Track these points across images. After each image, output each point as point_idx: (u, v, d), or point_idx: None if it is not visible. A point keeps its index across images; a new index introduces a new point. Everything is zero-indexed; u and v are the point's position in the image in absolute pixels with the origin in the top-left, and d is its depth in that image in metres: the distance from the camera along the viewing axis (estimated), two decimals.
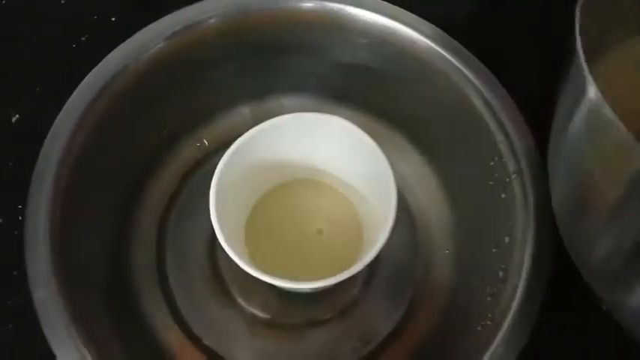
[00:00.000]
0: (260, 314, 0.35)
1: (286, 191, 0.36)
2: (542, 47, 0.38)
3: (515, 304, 0.28)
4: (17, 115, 0.39)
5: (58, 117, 0.33)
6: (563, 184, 0.26)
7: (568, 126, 0.24)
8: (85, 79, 0.33)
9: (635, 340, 0.26)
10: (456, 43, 0.34)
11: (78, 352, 0.28)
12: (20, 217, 0.36)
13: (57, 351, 0.28)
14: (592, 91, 0.21)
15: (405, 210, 0.38)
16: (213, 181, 0.31)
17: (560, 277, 0.31)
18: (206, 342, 0.35)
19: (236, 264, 0.33)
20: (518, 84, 0.33)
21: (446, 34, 0.34)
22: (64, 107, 0.33)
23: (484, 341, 0.28)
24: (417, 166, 0.39)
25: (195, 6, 0.35)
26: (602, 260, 0.24)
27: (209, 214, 0.32)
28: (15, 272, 0.35)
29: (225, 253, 0.35)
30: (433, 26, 0.34)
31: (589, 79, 0.21)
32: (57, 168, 0.31)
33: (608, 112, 0.20)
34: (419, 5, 0.36)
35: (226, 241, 0.30)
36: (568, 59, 0.23)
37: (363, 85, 0.38)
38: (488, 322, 0.29)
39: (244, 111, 0.39)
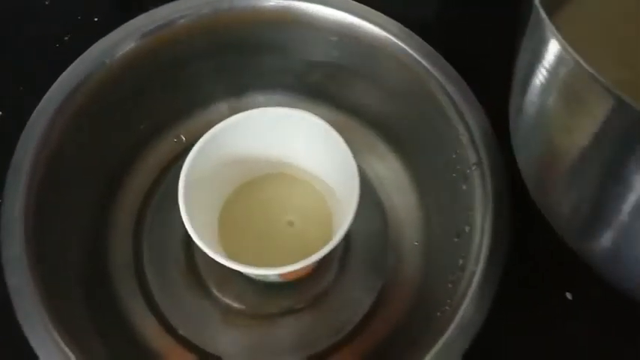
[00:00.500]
0: (235, 305, 0.36)
1: (258, 185, 0.37)
2: (506, 45, 0.39)
3: (471, 291, 0.29)
4: (0, 113, 0.40)
5: (36, 110, 0.34)
6: (526, 139, 0.27)
7: (530, 78, 0.24)
8: (62, 74, 0.34)
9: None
10: (420, 40, 0.35)
11: (54, 343, 0.28)
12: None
13: (32, 340, 0.29)
14: (552, 37, 0.22)
15: (377, 204, 0.39)
16: (180, 177, 0.32)
17: (522, 264, 0.32)
18: (182, 332, 0.36)
19: (211, 257, 0.35)
20: (480, 79, 0.34)
21: (411, 32, 0.35)
22: (41, 101, 0.34)
23: (442, 326, 0.29)
24: (389, 162, 0.40)
25: (168, 5, 0.36)
26: (568, 213, 0.25)
27: None
28: None
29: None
30: (399, 24, 0.35)
31: (548, 23, 0.21)
32: (33, 160, 0.32)
33: (571, 52, 0.21)
34: (389, 4, 0.37)
35: (196, 232, 0.31)
36: (526, 11, 0.24)
37: (336, 82, 0.39)
38: (447, 308, 0.30)
39: (222, 107, 0.40)
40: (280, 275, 0.33)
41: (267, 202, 0.37)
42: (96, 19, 0.43)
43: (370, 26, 0.35)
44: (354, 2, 0.36)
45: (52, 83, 0.35)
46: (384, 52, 0.36)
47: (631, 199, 0.22)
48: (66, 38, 0.43)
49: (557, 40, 0.22)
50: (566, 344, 0.35)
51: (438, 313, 0.30)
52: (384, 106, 0.38)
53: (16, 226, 0.30)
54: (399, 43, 0.35)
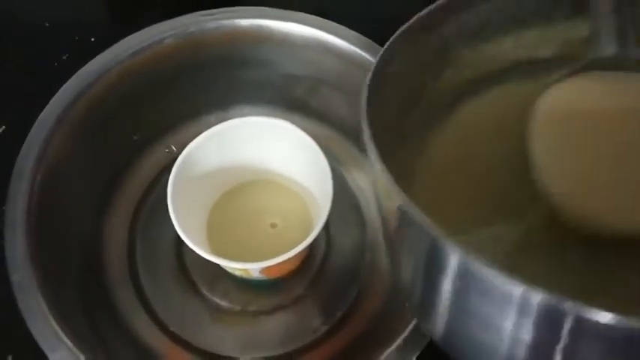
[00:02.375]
0: (223, 303, 0.39)
1: (242, 191, 0.40)
2: None
3: None
4: (3, 127, 0.43)
5: (36, 121, 0.36)
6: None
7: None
8: (61, 88, 0.37)
9: None
10: None
11: (55, 335, 0.31)
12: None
13: (33, 329, 0.31)
14: (371, 152, 0.25)
15: (355, 209, 0.41)
16: (169, 184, 0.35)
17: None
18: (174, 329, 0.38)
19: (200, 258, 0.37)
20: None
21: (380, 47, 0.38)
22: (41, 113, 0.36)
23: (409, 317, 0.32)
24: (366, 169, 0.42)
25: (159, 24, 0.39)
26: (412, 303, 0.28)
27: None
28: None
29: (190, 248, 0.38)
30: (370, 41, 0.38)
31: (370, 144, 0.25)
32: (34, 168, 0.34)
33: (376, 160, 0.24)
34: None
35: (185, 233, 0.33)
36: None
37: (317, 96, 0.42)
38: None
39: (210, 119, 0.43)
40: (262, 271, 0.35)
41: (252, 206, 0.39)
42: (92, 40, 0.46)
43: (344, 43, 0.38)
44: (329, 22, 0.39)
45: (51, 99, 0.37)
46: (358, 67, 0.38)
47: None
48: (64, 57, 0.46)
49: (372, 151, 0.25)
50: None
51: (407, 304, 0.33)
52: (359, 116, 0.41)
53: (19, 228, 0.33)
54: (371, 59, 0.38)
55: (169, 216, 0.40)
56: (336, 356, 0.37)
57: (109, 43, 0.40)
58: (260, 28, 0.39)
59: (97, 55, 0.39)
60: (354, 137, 0.42)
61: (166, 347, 0.38)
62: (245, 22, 0.39)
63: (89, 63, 0.38)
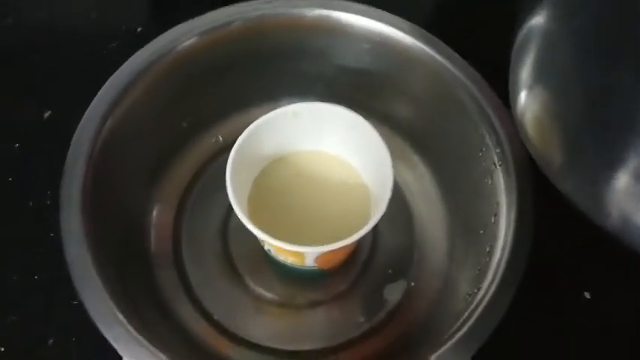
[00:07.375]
0: (266, 294, 0.38)
1: (298, 176, 0.38)
2: None
3: (499, 275, 0.31)
4: (49, 112, 0.43)
5: (91, 104, 0.35)
6: (530, 86, 0.27)
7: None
8: (113, 75, 0.36)
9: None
10: (446, 46, 0.37)
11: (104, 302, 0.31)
12: (49, 202, 0.40)
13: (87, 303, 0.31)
14: None
15: (403, 205, 0.41)
16: (228, 162, 0.34)
17: (541, 265, 0.34)
18: (216, 317, 0.37)
19: (245, 248, 0.37)
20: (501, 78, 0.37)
21: (437, 39, 0.38)
22: (96, 96, 0.36)
23: (471, 307, 0.31)
24: (414, 163, 0.42)
25: (218, 11, 0.38)
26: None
27: (221, 202, 0.35)
28: (42, 249, 0.38)
29: (235, 236, 0.38)
30: (425, 31, 0.38)
31: None
32: (87, 154, 0.34)
33: None
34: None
35: (249, 219, 0.32)
36: None
37: (366, 90, 0.41)
38: (475, 291, 0.32)
39: (258, 111, 0.42)
40: (317, 259, 0.34)
41: (306, 192, 0.38)
42: (139, 30, 0.47)
43: (400, 34, 0.38)
44: (386, 13, 0.38)
45: (98, 84, 0.37)
46: (413, 57, 0.38)
47: None
48: (112, 45, 0.46)
49: None
50: (584, 341, 0.37)
51: (468, 297, 0.32)
52: (411, 111, 0.41)
53: (75, 206, 0.32)
54: (427, 49, 0.37)
55: (214, 204, 0.40)
56: (380, 354, 0.36)
57: (155, 33, 0.39)
58: (319, 17, 0.38)
59: (143, 43, 0.39)
60: (402, 131, 0.42)
61: (208, 334, 0.37)
62: (305, 12, 0.38)
63: (145, 47, 0.37)
